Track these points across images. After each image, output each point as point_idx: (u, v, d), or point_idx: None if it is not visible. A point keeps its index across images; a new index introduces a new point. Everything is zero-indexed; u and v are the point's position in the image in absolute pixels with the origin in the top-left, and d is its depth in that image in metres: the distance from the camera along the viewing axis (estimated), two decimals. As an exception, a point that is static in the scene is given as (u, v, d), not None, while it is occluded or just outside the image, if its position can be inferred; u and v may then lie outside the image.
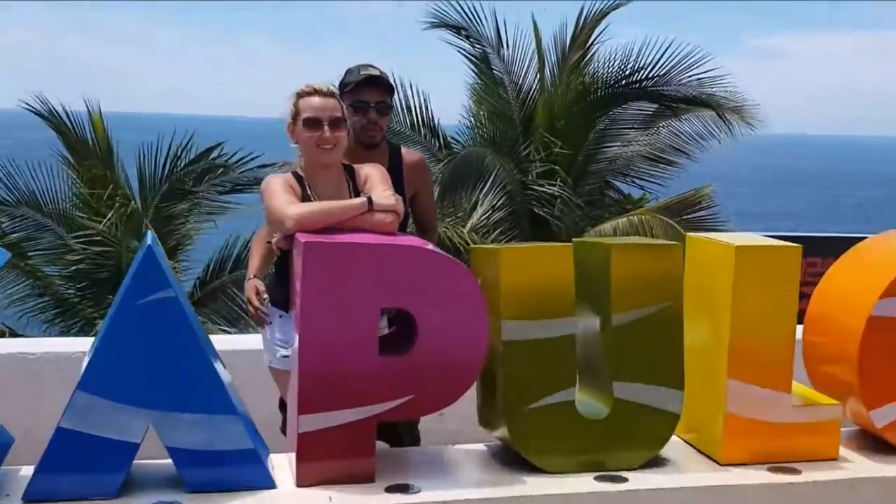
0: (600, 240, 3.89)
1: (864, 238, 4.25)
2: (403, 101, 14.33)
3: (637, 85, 14.06)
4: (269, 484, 3.38)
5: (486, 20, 14.29)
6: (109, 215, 13.18)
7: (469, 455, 3.81)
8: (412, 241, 3.62)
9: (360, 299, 3.36)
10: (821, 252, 5.79)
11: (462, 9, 14.16)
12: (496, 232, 13.67)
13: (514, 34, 14.37)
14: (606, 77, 14.15)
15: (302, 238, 3.37)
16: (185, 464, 3.30)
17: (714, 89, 13.68)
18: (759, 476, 3.65)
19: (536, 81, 14.46)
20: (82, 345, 5.18)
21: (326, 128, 3.76)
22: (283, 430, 4.12)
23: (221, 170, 14.04)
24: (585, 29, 14.19)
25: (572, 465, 3.60)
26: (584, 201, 14.06)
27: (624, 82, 14.07)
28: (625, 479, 3.55)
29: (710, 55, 13.75)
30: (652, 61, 13.84)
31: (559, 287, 3.57)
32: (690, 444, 3.90)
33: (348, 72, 4.38)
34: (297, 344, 3.47)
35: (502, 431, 3.68)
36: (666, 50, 13.74)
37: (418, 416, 3.74)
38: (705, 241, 3.85)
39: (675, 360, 3.68)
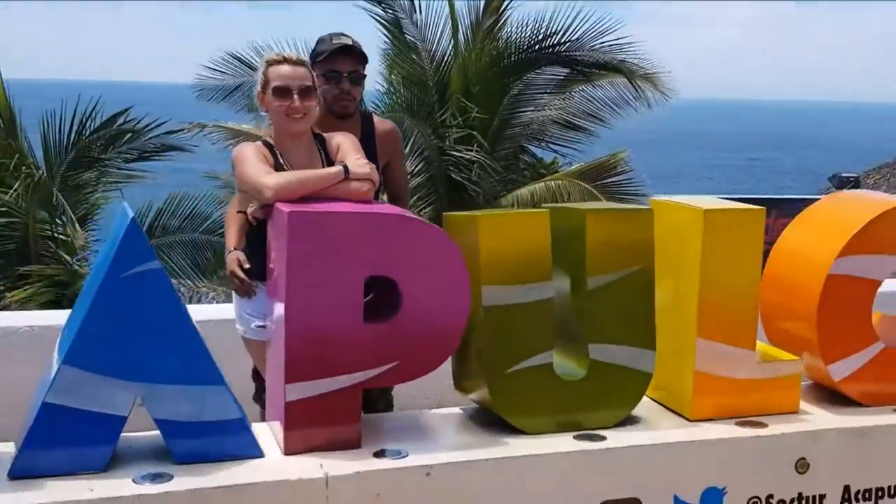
0: (575, 205, 3.95)
1: (814, 200, 4.40)
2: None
3: (550, 50, 14.21)
4: (258, 453, 3.38)
5: (399, -15, 14.27)
6: (15, 186, 12.87)
7: (447, 419, 3.85)
8: (393, 209, 3.64)
9: (345, 268, 3.36)
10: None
11: (374, -26, 14.13)
12: (414, 198, 13.71)
13: (427, -1, 14.41)
14: (520, 42, 14.25)
15: (285, 208, 3.36)
16: (173, 436, 3.28)
17: (625, 55, 13.90)
18: (728, 430, 3.77)
19: (451, 47, 14.48)
20: (26, 319, 5.10)
21: (296, 97, 3.75)
22: (255, 399, 4.12)
23: (129, 135, 13.80)
24: (498, -7, 14.25)
25: (551, 425, 3.68)
26: (501, 166, 14.17)
27: (537, 47, 14.19)
28: (603, 438, 3.63)
29: (620, 21, 13.99)
30: (564, 26, 14.00)
31: (537, 252, 3.62)
32: (659, 403, 4.01)
33: (320, 41, 4.37)
34: (276, 313, 3.48)
35: (481, 395, 3.74)
36: (577, 15, 13.92)
37: (402, 382, 3.77)
38: (671, 204, 3.94)
39: (647, 321, 3.77)
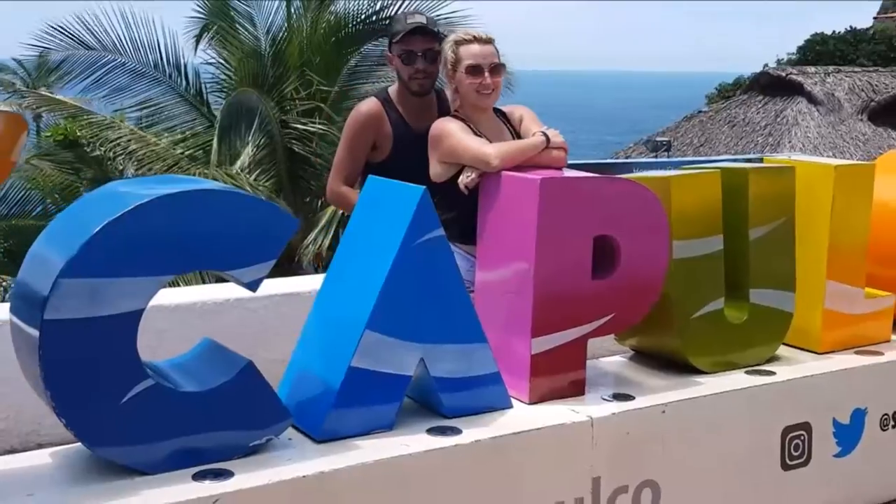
0: (737, 165, 4.37)
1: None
2: (146, 39, 13.98)
3: (386, 21, 14.40)
4: (510, 404, 3.63)
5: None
6: None
7: (623, 366, 4.20)
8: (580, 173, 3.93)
9: (580, 229, 3.66)
10: None
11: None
12: (256, 172, 13.67)
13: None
14: (356, 12, 14.39)
15: (536, 176, 3.61)
16: (447, 391, 3.47)
17: (463, 25, 14.28)
18: (856, 360, 4.32)
19: (285, 20, 14.47)
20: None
21: (487, 74, 3.99)
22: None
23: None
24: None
25: (720, 364, 4.10)
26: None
27: (374, 18, 14.37)
28: (773, 373, 4.10)
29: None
30: (396, -3, 14.24)
31: (712, 208, 4.03)
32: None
33: (395, 21, 4.52)
34: (508, 274, 3.72)
35: (662, 340, 4.13)
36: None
37: (616, 333, 4.08)
38: (803, 162, 4.46)
39: (792, 266, 4.27)
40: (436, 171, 4.01)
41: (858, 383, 4.25)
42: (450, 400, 3.49)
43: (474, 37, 4.05)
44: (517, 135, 4.08)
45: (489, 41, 4.06)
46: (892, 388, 4.34)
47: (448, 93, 4.23)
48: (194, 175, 12.61)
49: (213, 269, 3.09)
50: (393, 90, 4.60)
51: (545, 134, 3.90)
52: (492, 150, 3.77)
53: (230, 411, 3.08)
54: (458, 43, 4.05)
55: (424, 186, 3.35)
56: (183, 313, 4.53)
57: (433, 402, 3.53)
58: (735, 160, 6.19)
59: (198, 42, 14.77)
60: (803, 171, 4.33)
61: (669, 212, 3.90)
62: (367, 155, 4.51)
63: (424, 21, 4.42)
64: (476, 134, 3.96)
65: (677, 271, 3.95)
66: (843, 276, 4.38)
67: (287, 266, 12.08)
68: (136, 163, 14.35)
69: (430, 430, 3.38)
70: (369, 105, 4.55)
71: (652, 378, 4.04)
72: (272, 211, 3.11)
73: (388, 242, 3.35)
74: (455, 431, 3.38)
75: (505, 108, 4.17)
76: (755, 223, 4.15)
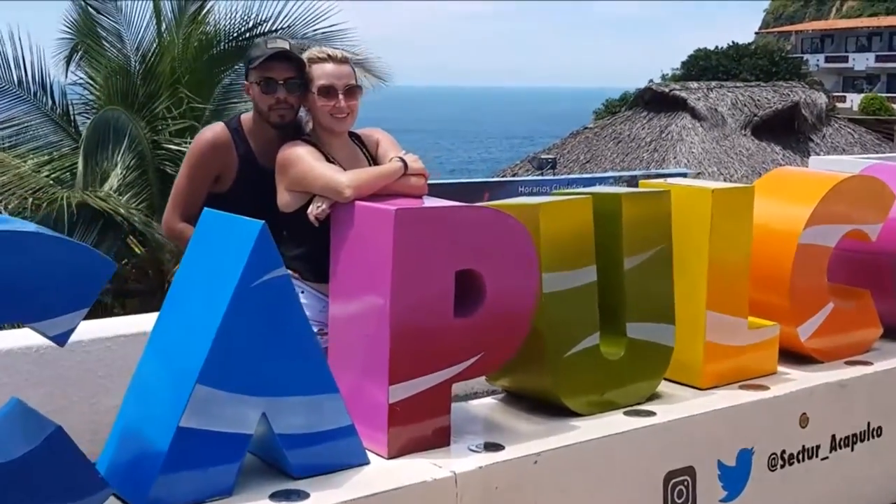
0: (609, 190, 4.09)
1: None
2: (11, 54, 13.32)
3: (261, 38, 13.97)
4: (366, 459, 3.27)
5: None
6: None
7: (494, 409, 3.89)
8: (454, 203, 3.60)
9: (439, 263, 3.34)
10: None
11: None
12: (128, 195, 13.07)
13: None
14: (229, 30, 13.93)
15: (391, 206, 3.27)
16: (293, 449, 3.11)
17: (341, 42, 13.93)
18: (741, 395, 4.07)
19: (156, 36, 13.92)
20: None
21: (341, 96, 3.65)
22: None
23: None
24: (202, -23, 13.89)
25: (597, 405, 3.82)
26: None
27: (248, 35, 13.91)
28: (653, 413, 3.82)
29: (334, 7, 13.97)
30: (274, 13, 13.83)
31: (584, 237, 3.75)
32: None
33: (255, 45, 4.11)
34: (362, 313, 3.38)
35: (533, 380, 3.82)
36: (287, 2, 13.80)
37: (485, 374, 3.72)
38: (679, 186, 4.20)
39: (670, 296, 3.99)
40: (284, 200, 3.63)
41: (744, 422, 4.00)
42: (297, 458, 3.12)
43: (329, 55, 3.70)
44: (373, 160, 3.74)
45: (345, 60, 3.72)
46: (779, 424, 4.10)
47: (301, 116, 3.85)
48: (60, 199, 11.96)
49: (13, 321, 2.66)
50: (246, 119, 4.06)
51: (403, 160, 3.57)
52: (344, 179, 3.42)
53: (37, 485, 2.65)
54: (310, 61, 3.69)
55: (264, 221, 2.97)
56: (14, 359, 4.06)
57: (279, 461, 3.16)
58: (619, 178, 5.93)
59: (68, 63, 14.13)
60: (679, 196, 4.07)
61: (538, 242, 3.61)
62: (209, 187, 4.03)
63: (287, 46, 3.95)
64: (328, 160, 3.60)
65: (548, 306, 3.65)
66: (725, 305, 4.13)
67: (159, 295, 11.52)
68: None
69: (274, 495, 3.02)
70: (215, 132, 4.03)
71: (523, 423, 3.73)
72: (84, 253, 2.69)
73: (223, 284, 2.97)
74: (302, 495, 3.03)
75: (361, 132, 3.82)
76: (630, 252, 3.87)
